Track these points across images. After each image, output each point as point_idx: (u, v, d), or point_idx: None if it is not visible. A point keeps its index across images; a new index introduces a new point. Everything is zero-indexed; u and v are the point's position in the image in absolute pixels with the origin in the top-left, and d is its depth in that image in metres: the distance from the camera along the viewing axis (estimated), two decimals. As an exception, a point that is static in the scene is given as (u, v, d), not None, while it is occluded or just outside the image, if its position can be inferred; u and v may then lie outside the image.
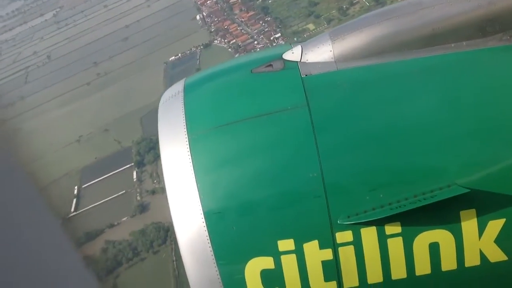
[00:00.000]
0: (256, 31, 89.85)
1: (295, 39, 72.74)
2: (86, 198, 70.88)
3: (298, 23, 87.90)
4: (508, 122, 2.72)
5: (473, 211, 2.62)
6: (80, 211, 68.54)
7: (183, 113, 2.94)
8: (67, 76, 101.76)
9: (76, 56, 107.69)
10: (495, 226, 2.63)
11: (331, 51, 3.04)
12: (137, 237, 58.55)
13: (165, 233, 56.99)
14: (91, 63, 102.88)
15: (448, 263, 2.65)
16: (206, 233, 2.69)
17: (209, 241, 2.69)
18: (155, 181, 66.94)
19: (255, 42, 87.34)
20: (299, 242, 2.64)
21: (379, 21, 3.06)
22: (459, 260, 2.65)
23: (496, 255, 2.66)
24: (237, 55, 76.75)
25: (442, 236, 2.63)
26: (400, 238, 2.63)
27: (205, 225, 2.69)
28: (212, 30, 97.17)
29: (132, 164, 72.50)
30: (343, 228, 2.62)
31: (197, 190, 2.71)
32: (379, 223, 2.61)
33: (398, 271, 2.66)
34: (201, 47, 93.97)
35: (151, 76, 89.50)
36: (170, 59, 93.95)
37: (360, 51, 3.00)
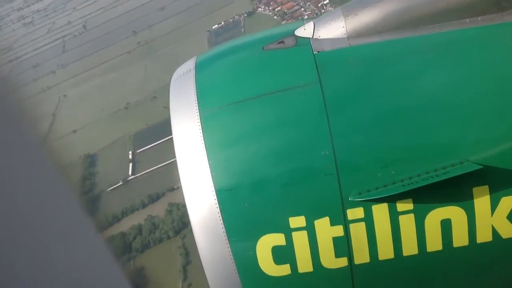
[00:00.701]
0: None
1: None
2: (141, 163, 71.08)
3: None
4: None
5: (485, 188, 2.58)
6: (138, 175, 68.87)
7: (195, 90, 2.93)
8: (106, 45, 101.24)
9: (112, 26, 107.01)
10: (508, 202, 2.60)
11: (343, 27, 2.99)
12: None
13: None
14: (129, 32, 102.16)
15: (460, 239, 2.64)
16: (218, 210, 2.69)
17: (220, 218, 2.70)
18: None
19: (302, 9, 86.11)
20: (310, 218, 2.64)
21: None
22: (471, 236, 2.63)
23: (509, 231, 2.64)
24: (283, 22, 75.76)
25: (454, 212, 2.60)
26: (411, 215, 2.60)
27: (216, 202, 2.69)
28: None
29: (186, 130, 72.38)
30: (354, 205, 2.60)
31: (208, 167, 2.71)
32: (391, 200, 2.58)
33: (410, 248, 2.64)
34: (245, 15, 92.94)
35: (195, 44, 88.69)
36: (213, 27, 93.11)
37: (373, 27, 2.93)
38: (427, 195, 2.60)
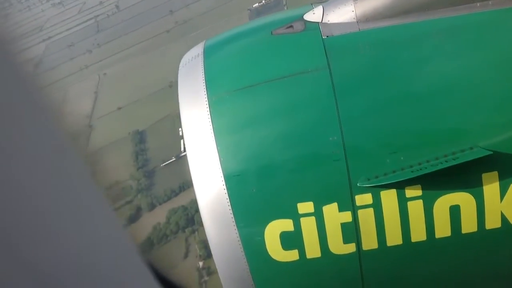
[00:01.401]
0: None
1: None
2: (192, 139, 70.63)
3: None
4: None
5: (495, 174, 2.57)
6: (190, 151, 68.45)
7: (203, 75, 2.93)
8: (142, 25, 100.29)
9: (147, 5, 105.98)
10: None
11: (353, 11, 2.95)
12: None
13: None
14: (166, 12, 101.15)
15: (469, 225, 2.63)
16: (226, 195, 2.71)
17: (229, 203, 2.71)
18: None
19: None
20: (318, 204, 2.64)
21: None
22: (480, 222, 2.62)
23: None
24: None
25: (463, 198, 2.60)
26: (420, 201, 2.60)
27: (225, 187, 2.71)
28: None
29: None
30: (363, 190, 2.61)
31: (217, 152, 2.72)
32: (400, 186, 2.58)
33: (418, 234, 2.64)
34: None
35: (236, 23, 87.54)
36: (254, 6, 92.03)
37: (382, 11, 2.90)
38: (436, 181, 2.57)
